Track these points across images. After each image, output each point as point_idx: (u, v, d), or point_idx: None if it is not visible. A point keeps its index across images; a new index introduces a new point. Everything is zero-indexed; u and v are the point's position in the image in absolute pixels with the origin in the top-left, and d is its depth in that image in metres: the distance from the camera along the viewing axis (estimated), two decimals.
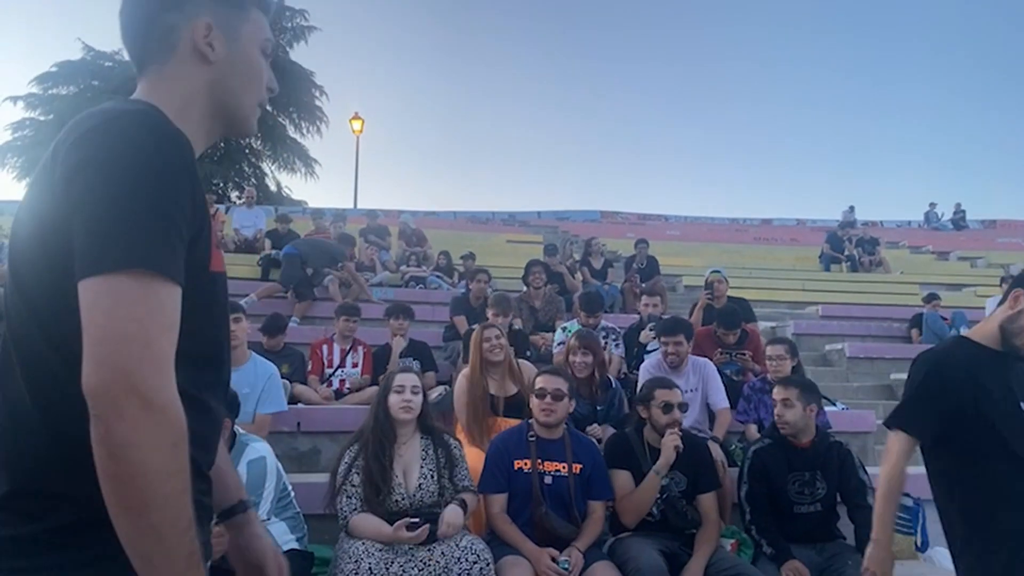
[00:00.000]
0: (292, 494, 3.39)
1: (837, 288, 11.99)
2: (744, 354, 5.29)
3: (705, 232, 21.68)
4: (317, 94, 24.33)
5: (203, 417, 0.99)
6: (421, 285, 9.72)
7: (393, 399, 3.14)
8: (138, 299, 0.85)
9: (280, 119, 24.06)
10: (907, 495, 4.07)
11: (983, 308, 8.73)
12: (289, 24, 23.89)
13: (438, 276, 9.84)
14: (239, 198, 24.04)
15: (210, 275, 0.99)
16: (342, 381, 5.64)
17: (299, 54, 24.44)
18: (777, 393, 3.54)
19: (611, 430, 4.28)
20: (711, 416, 4.67)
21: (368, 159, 59.89)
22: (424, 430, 3.24)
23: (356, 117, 22.39)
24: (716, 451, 3.99)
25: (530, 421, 3.38)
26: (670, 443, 3.32)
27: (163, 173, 0.90)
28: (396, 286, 9.59)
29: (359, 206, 21.20)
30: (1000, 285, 8.94)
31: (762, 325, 9.67)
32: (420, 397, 3.21)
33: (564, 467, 3.23)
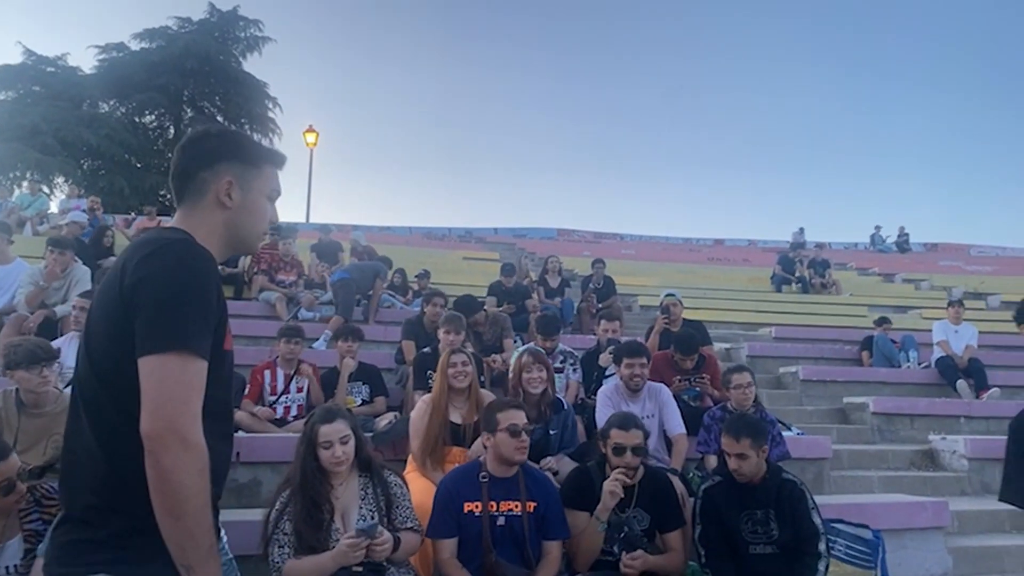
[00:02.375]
0: (224, 538, 3.14)
1: (789, 310, 12.11)
2: (703, 379, 5.21)
3: (659, 252, 21.88)
4: (270, 105, 23.93)
5: (214, 456, 1.33)
6: None
7: (324, 454, 2.88)
8: (181, 371, 1.28)
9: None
10: (866, 527, 4.03)
11: (930, 331, 8.88)
12: (243, 34, 23.50)
13: (390, 294, 9.60)
14: None
15: (224, 352, 1.42)
16: (287, 408, 5.36)
17: (253, 65, 24.06)
18: (729, 446, 3.38)
19: (566, 460, 4.12)
20: (668, 442, 4.55)
21: (322, 173, 58.99)
22: (362, 467, 3.01)
23: (310, 130, 22.01)
24: (677, 484, 3.86)
25: (481, 460, 3.18)
26: (608, 488, 3.18)
27: (199, 283, 1.34)
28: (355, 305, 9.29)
29: (312, 220, 20.80)
30: (946, 308, 9.11)
31: (717, 347, 9.72)
32: (352, 441, 2.95)
33: (518, 506, 3.05)
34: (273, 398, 5.38)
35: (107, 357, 1.34)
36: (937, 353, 8.47)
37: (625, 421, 3.34)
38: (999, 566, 4.69)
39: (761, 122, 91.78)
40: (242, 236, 1.55)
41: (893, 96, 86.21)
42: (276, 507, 2.85)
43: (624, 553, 3.15)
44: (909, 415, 7.11)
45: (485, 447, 3.16)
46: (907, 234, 24.34)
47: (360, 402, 5.56)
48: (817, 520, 3.34)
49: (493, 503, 3.04)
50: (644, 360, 4.39)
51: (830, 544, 3.80)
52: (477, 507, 3.02)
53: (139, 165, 22.63)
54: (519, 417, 3.09)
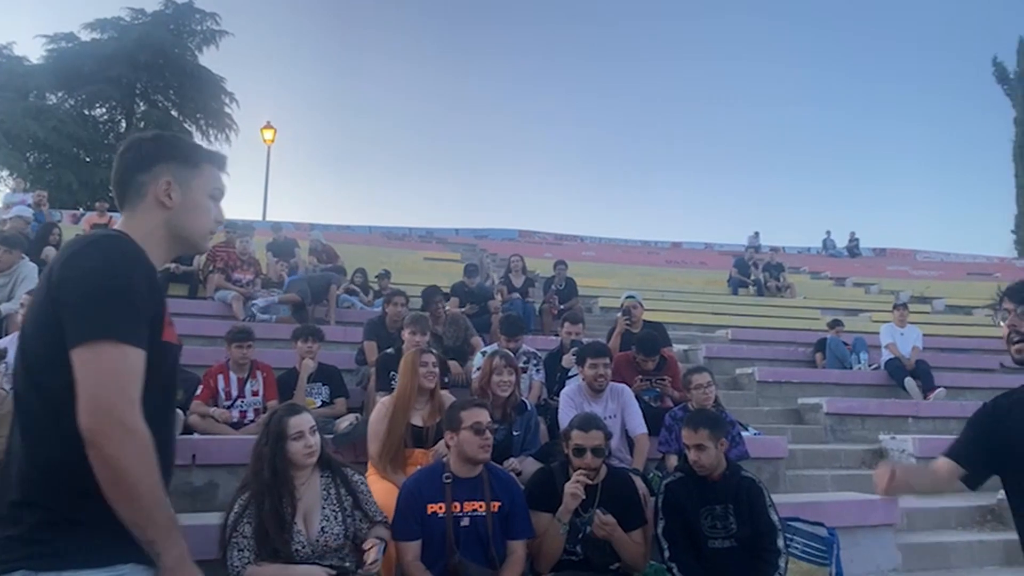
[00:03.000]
0: None
1: (745, 312, 12.35)
2: (663, 379, 5.26)
3: (619, 254, 22.11)
4: (227, 101, 23.39)
5: (158, 444, 1.35)
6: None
7: (295, 446, 2.85)
8: (114, 359, 1.30)
9: (186, 125, 22.98)
10: (821, 525, 4.12)
11: (877, 333, 9.14)
12: (199, 27, 22.95)
13: (351, 294, 9.48)
14: None
15: (163, 344, 1.43)
16: (243, 412, 5.24)
17: (209, 59, 23.50)
18: (688, 438, 3.44)
19: (530, 461, 4.12)
20: (631, 442, 4.59)
21: (280, 170, 58.05)
22: (323, 467, 2.97)
23: (268, 126, 21.61)
24: (639, 484, 3.89)
25: (444, 460, 3.16)
26: (569, 490, 3.20)
27: (125, 275, 1.36)
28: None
29: (268, 218, 20.45)
30: (892, 311, 9.40)
31: (675, 348, 9.85)
32: (318, 434, 2.95)
33: (482, 506, 3.04)
34: (228, 403, 5.25)
35: (37, 355, 1.37)
36: (886, 355, 8.73)
37: (586, 422, 3.35)
38: (946, 562, 4.85)
39: (718, 127, 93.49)
40: (185, 235, 1.57)
41: (848, 103, 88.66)
42: (235, 510, 2.79)
43: (600, 512, 3.19)
44: (860, 415, 7.31)
45: (448, 446, 3.14)
46: (857, 239, 25.04)
47: (320, 403, 5.48)
48: (774, 517, 3.41)
49: (457, 504, 3.02)
50: (607, 361, 4.42)
51: (788, 541, 3.89)
52: (440, 508, 3.00)
53: (88, 159, 21.90)
54: (483, 415, 3.08)
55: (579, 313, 9.68)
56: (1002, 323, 2.08)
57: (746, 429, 6.14)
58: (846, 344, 9.31)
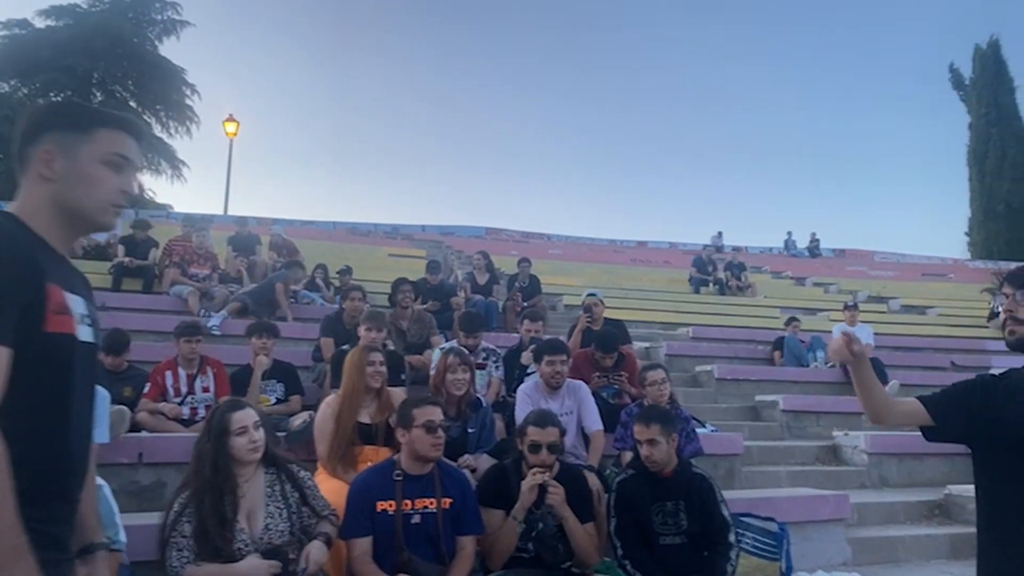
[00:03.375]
0: (123, 541, 2.99)
1: (707, 310, 12.48)
2: (621, 376, 5.28)
3: (585, 252, 22.19)
4: (188, 92, 22.89)
5: (34, 454, 1.22)
6: (292, 300, 9.20)
7: (239, 442, 2.78)
8: None
9: (146, 116, 22.41)
10: (772, 520, 4.18)
11: (831, 332, 9.34)
12: (159, 16, 22.39)
13: (312, 291, 9.36)
14: None
15: (47, 335, 1.27)
16: (193, 409, 5.13)
17: (170, 49, 22.97)
18: (640, 433, 3.46)
19: (485, 458, 4.10)
20: (587, 439, 4.60)
21: (243, 164, 56.87)
22: (267, 464, 2.91)
23: (230, 119, 21.27)
24: (593, 480, 3.89)
25: (396, 458, 3.12)
26: (526, 485, 3.19)
27: None
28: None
29: (230, 212, 20.11)
30: (843, 311, 9.60)
31: (636, 346, 9.92)
32: (262, 429, 2.89)
33: (433, 503, 3.01)
34: (178, 400, 5.14)
35: None
36: None
37: (541, 418, 3.35)
38: (893, 555, 4.95)
39: (685, 129, 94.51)
40: (75, 208, 1.39)
41: (811, 107, 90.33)
42: (174, 508, 2.72)
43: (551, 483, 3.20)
44: (816, 412, 7.44)
45: (400, 443, 3.10)
46: (818, 240, 25.50)
47: (275, 401, 5.39)
48: (726, 513, 3.45)
49: (408, 501, 2.99)
50: (564, 358, 4.42)
51: (739, 537, 3.93)
52: (391, 506, 2.96)
53: None
54: (435, 413, 3.05)
55: (540, 311, 9.71)
56: (1000, 307, 2.09)
57: (703, 426, 6.20)
58: (803, 342, 9.48)
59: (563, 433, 3.38)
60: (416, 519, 2.98)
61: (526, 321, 5.85)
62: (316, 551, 2.74)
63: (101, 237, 9.95)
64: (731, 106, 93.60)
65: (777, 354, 9.56)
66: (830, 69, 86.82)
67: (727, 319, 11.90)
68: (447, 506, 3.03)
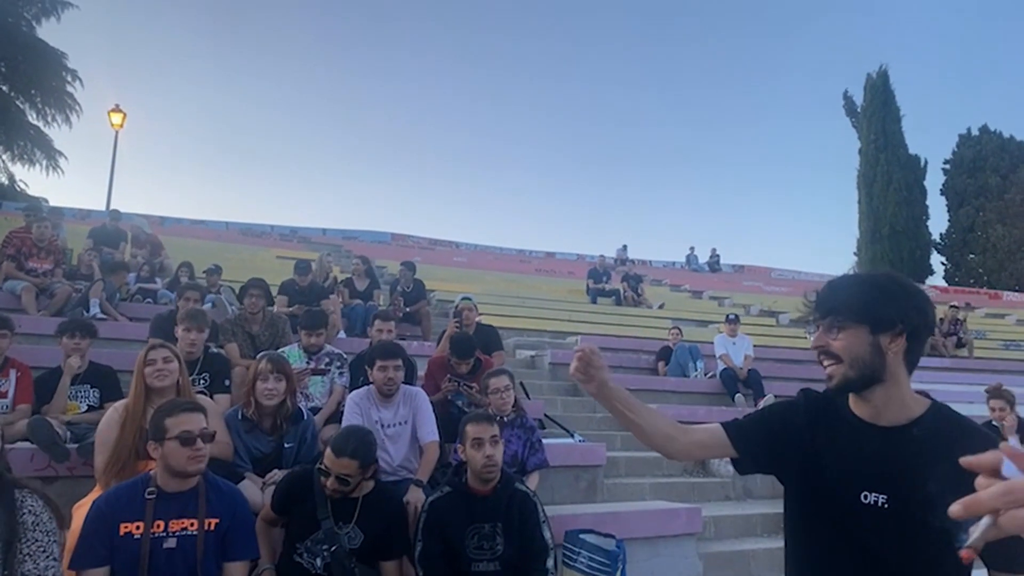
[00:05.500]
0: None
1: (600, 320, 12.41)
2: (470, 386, 4.94)
3: (491, 261, 21.99)
4: (69, 79, 21.27)
5: None
6: (150, 299, 8.49)
7: None
8: None
9: (18, 102, 20.68)
10: (611, 537, 3.92)
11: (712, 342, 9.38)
12: None
13: (171, 290, 8.64)
14: None
15: None
16: None
17: (48, 32, 21.35)
18: (481, 431, 3.14)
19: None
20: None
21: (131, 158, 53.36)
22: None
23: (116, 110, 19.90)
24: (417, 496, 3.53)
25: (152, 473, 2.67)
26: None
27: None
28: (123, 299, 8.27)
29: (114, 208, 18.78)
30: (724, 323, 9.67)
31: (523, 354, 9.69)
32: None
33: (194, 524, 2.56)
34: None
35: None
36: (722, 365, 8.92)
37: (342, 444, 2.95)
38: (746, 570, 4.81)
39: (599, 143, 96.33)
40: None
41: (721, 129, 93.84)
42: None
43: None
44: (689, 423, 7.28)
45: (153, 458, 2.65)
46: (718, 255, 26.21)
47: (86, 408, 4.78)
48: (547, 535, 3.15)
49: (160, 522, 2.53)
50: (398, 363, 4.04)
51: (571, 557, 3.65)
52: (137, 528, 2.50)
53: None
54: (193, 422, 2.60)
55: (423, 314, 9.41)
56: (809, 336, 1.66)
57: (571, 435, 5.97)
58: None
59: (364, 466, 2.98)
60: (170, 543, 2.52)
61: (376, 321, 5.46)
62: None
63: None
64: (647, 124, 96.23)
65: (662, 364, 9.52)
66: (737, 91, 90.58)
67: (620, 329, 11.85)
68: (211, 528, 2.59)
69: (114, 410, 3.44)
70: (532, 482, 4.19)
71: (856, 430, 1.52)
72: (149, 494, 2.55)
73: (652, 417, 1.73)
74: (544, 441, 5.64)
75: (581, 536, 3.79)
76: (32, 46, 19.82)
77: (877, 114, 30.44)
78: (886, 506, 1.43)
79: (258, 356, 3.92)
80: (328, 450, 2.95)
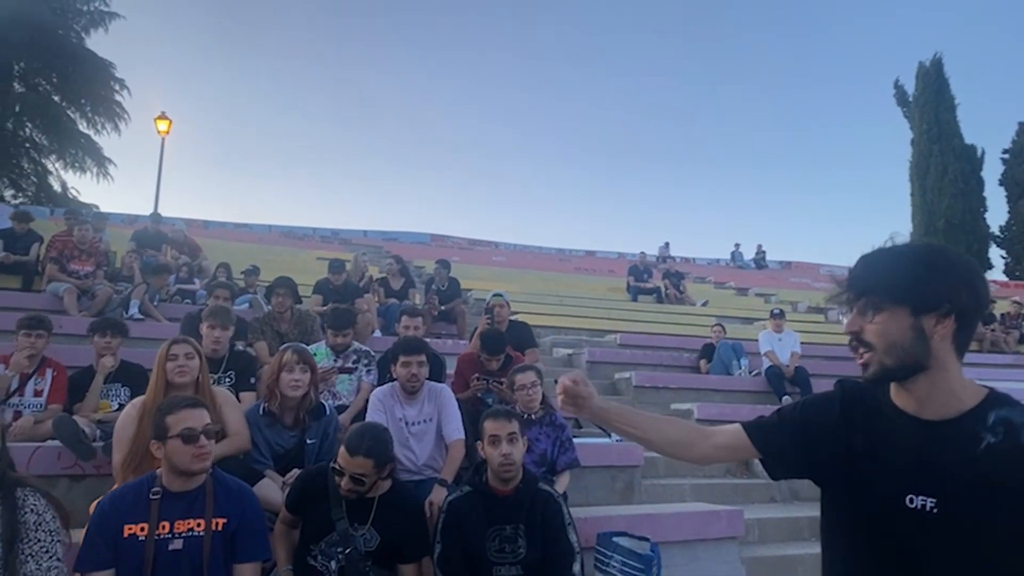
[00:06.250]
0: None
1: (641, 318, 12.15)
2: (500, 382, 4.79)
3: (530, 260, 21.84)
4: (117, 88, 21.84)
5: None
6: (189, 300, 8.58)
7: None
8: None
9: (70, 112, 21.31)
10: (646, 540, 3.72)
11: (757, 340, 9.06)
12: (85, 7, 21.35)
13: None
14: (15, 197, 20.96)
15: None
16: (17, 413, 4.52)
17: (97, 42, 21.91)
18: (498, 428, 3.00)
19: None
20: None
21: (177, 163, 54.65)
22: None
23: (162, 117, 20.31)
24: (439, 495, 3.39)
25: (157, 472, 2.58)
26: None
27: None
28: (164, 300, 8.38)
29: (155, 211, 19.21)
30: (769, 319, 9.34)
31: (559, 352, 9.51)
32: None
33: (200, 524, 2.47)
34: (2, 399, 4.52)
35: None
36: (767, 363, 8.60)
37: (356, 442, 2.83)
38: (791, 575, 4.55)
39: (643, 140, 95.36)
40: None
41: (769, 123, 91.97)
42: None
43: None
44: (732, 422, 7.04)
45: (156, 457, 2.56)
46: (764, 252, 25.57)
47: (117, 406, 4.77)
48: (573, 538, 2.98)
49: (165, 523, 2.44)
50: (422, 358, 3.91)
51: (603, 561, 3.48)
52: (142, 529, 2.41)
53: None
54: (196, 419, 2.51)
55: (459, 312, 9.30)
56: (843, 319, 1.53)
57: (607, 435, 5.78)
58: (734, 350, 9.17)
59: (379, 466, 2.86)
60: (176, 545, 2.43)
61: (404, 317, 5.35)
62: None
63: None
64: (692, 119, 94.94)
65: (704, 362, 9.23)
66: (781, 85, 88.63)
67: (661, 327, 11.58)
68: (219, 528, 2.49)
69: (132, 406, 3.39)
70: (563, 482, 4.02)
71: (898, 425, 1.32)
72: (154, 494, 2.47)
73: (658, 426, 1.56)
74: (580, 441, 5.47)
75: (614, 539, 3.60)
76: (82, 57, 20.41)
77: (930, 103, 29.29)
78: (935, 510, 1.24)
79: (282, 348, 3.83)
80: (342, 448, 2.84)
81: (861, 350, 1.32)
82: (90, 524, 2.44)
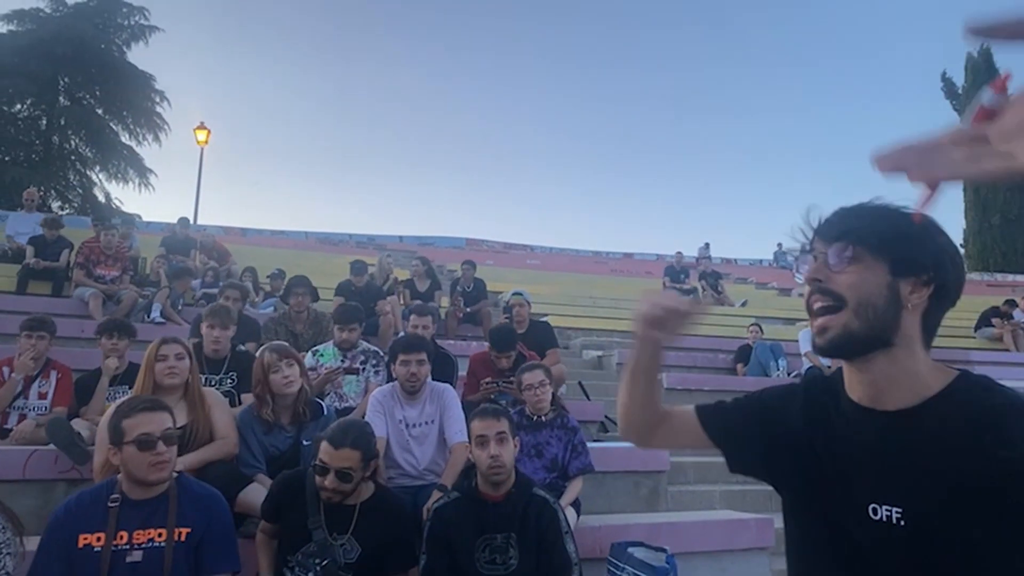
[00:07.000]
0: None
1: None
2: (509, 382, 4.55)
3: (565, 263, 21.59)
4: (157, 99, 22.32)
5: None
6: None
7: None
8: None
9: (112, 124, 21.83)
10: (663, 551, 3.44)
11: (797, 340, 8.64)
12: (126, 22, 21.87)
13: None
14: (61, 208, 21.53)
15: None
16: (22, 416, 4.45)
17: (138, 56, 22.45)
18: (486, 427, 2.77)
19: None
20: None
21: (216, 172, 55.82)
22: None
23: (201, 127, 20.68)
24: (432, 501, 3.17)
25: (118, 477, 2.41)
26: None
27: None
28: (189, 304, 8.38)
29: (199, 222, 19.53)
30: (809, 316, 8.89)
31: (589, 354, 9.23)
32: None
33: (162, 534, 2.29)
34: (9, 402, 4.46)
35: None
36: (807, 363, 8.19)
37: (340, 434, 2.64)
38: None
39: (685, 140, 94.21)
40: None
41: (812, 118, 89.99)
42: None
43: None
44: None
45: (116, 464, 2.38)
46: None
47: None
48: (571, 548, 2.72)
49: (123, 533, 2.26)
50: (422, 356, 3.70)
51: (614, 574, 3.21)
52: (98, 539, 2.24)
53: (7, 158, 20.70)
54: (155, 423, 2.32)
55: (484, 315, 9.09)
56: (797, 276, 1.29)
57: None
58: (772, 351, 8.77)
59: (366, 459, 2.66)
60: (135, 556, 2.24)
61: (412, 316, 5.15)
62: None
63: (22, 239, 9.36)
64: (741, 113, 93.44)
65: (740, 365, 8.85)
66: (823, 79, 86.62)
67: (696, 327, 11.16)
68: (182, 538, 2.30)
69: (116, 406, 3.25)
70: (575, 489, 3.76)
71: (854, 421, 1.09)
72: (112, 501, 2.29)
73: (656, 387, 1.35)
74: (602, 445, 5.21)
75: (629, 550, 3.33)
76: (123, 70, 20.90)
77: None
78: (902, 523, 1.01)
79: (259, 351, 3.64)
80: (324, 444, 2.64)
81: (819, 304, 1.07)
82: (44, 533, 2.28)
